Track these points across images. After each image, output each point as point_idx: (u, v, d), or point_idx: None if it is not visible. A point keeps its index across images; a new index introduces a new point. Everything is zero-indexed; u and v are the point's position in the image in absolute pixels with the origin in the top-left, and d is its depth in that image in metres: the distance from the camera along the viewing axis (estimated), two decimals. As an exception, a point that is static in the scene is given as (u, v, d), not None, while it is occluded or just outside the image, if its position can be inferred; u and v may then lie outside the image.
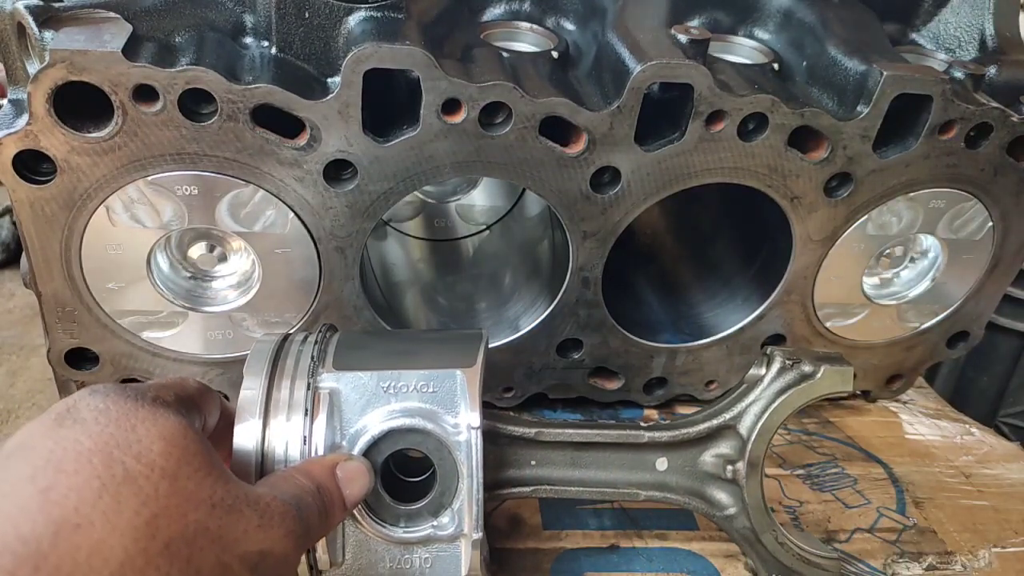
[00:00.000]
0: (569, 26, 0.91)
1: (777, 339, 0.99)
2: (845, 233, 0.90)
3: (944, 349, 1.05)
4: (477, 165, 0.78)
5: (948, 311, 1.00)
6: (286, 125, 0.73)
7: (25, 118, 0.68)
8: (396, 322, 0.94)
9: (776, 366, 0.73)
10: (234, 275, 0.87)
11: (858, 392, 1.10)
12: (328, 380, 0.67)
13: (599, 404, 1.03)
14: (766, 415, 0.72)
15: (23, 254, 0.79)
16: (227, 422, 0.64)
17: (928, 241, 0.96)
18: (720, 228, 1.13)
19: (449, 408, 0.68)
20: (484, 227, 1.17)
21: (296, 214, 0.79)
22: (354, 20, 0.74)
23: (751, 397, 0.74)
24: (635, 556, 0.82)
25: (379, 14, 0.74)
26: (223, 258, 0.86)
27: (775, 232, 0.91)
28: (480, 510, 0.67)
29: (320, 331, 0.73)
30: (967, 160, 0.85)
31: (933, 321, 1.01)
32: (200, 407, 0.59)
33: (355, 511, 0.65)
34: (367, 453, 0.66)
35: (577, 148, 0.78)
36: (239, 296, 0.86)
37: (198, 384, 0.61)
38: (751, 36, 0.93)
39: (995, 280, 0.98)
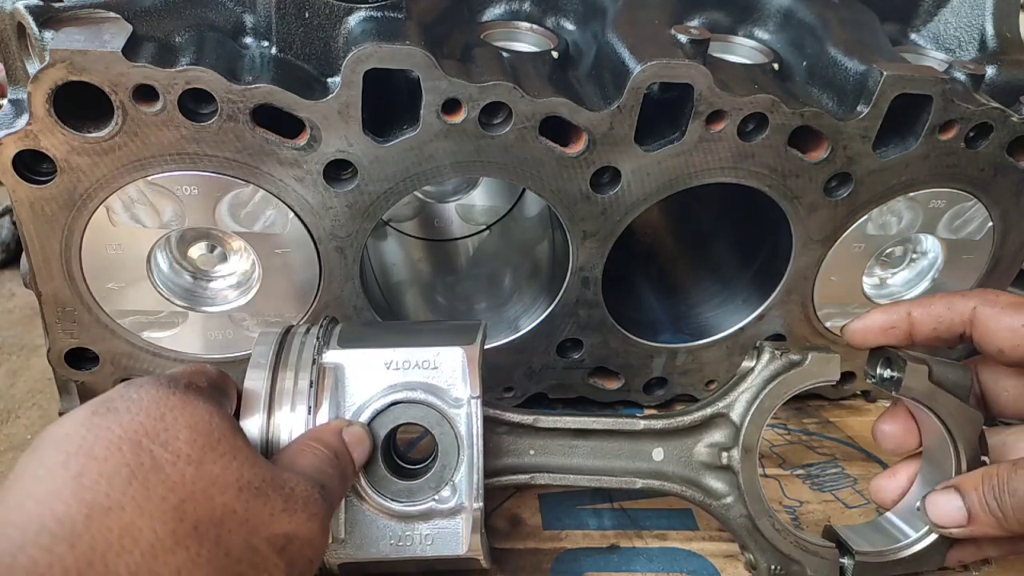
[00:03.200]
0: (569, 26, 0.91)
1: (777, 339, 0.99)
2: (845, 233, 0.90)
3: (944, 349, 1.05)
4: (477, 165, 0.78)
5: (948, 311, 1.00)
6: (286, 125, 0.73)
7: (25, 118, 0.68)
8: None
9: (765, 356, 0.75)
10: (234, 275, 0.87)
11: (858, 392, 1.10)
12: (332, 356, 0.69)
13: (599, 404, 1.03)
14: (758, 401, 0.74)
15: (23, 254, 0.79)
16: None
17: (928, 241, 0.97)
18: (720, 228, 1.13)
19: (450, 383, 0.70)
20: (484, 227, 1.17)
21: (296, 214, 0.79)
22: (354, 20, 0.74)
23: (743, 386, 0.75)
24: (635, 556, 0.82)
25: (379, 14, 0.74)
26: (223, 258, 0.86)
27: (775, 232, 0.91)
28: (480, 480, 0.68)
29: (324, 320, 0.74)
30: (967, 160, 0.85)
31: (933, 321, 1.01)
32: (227, 394, 0.62)
33: (357, 487, 0.67)
34: (370, 426, 0.68)
35: (577, 148, 0.78)
36: (239, 296, 0.86)
37: (218, 371, 0.63)
38: (751, 36, 0.93)
39: (995, 280, 0.98)
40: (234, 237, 0.82)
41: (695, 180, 0.82)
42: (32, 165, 0.72)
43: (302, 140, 0.73)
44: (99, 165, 0.72)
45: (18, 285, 1.17)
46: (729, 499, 0.75)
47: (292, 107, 0.71)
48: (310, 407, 0.66)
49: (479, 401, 0.69)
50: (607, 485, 0.76)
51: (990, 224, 0.92)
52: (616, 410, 1.04)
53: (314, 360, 0.68)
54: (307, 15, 0.74)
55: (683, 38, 0.76)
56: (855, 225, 0.89)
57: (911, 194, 0.87)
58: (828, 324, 0.98)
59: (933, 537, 0.74)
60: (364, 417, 0.68)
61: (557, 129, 0.77)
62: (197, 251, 0.85)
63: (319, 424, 0.66)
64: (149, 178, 0.74)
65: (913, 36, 0.99)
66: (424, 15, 0.78)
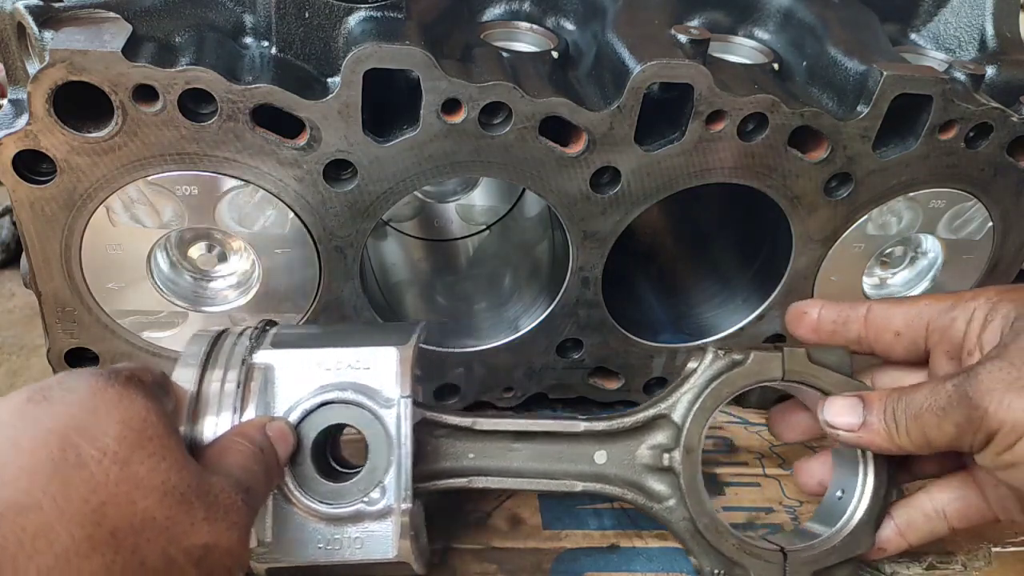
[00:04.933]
0: (569, 26, 0.91)
1: (777, 339, 0.99)
2: (845, 233, 0.90)
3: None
4: (477, 165, 0.78)
5: (948, 311, 1.00)
6: (286, 125, 0.73)
7: (25, 118, 0.68)
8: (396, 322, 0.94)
9: (708, 357, 0.76)
10: (234, 275, 0.87)
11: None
12: (263, 357, 0.69)
13: (599, 404, 1.03)
14: (699, 401, 0.74)
15: (23, 254, 0.79)
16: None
17: (928, 241, 0.97)
18: (720, 228, 1.13)
19: (383, 383, 0.69)
20: (484, 227, 1.17)
21: (296, 214, 0.79)
22: (354, 20, 0.74)
23: (685, 387, 0.76)
24: (635, 556, 0.82)
25: (379, 14, 0.74)
26: (223, 258, 0.86)
27: (775, 232, 0.91)
28: (408, 480, 0.67)
29: (260, 322, 0.74)
30: (967, 160, 0.85)
31: (933, 321, 1.01)
32: (168, 392, 0.61)
33: (285, 489, 0.66)
34: (300, 427, 0.67)
35: (577, 148, 0.78)
36: (239, 296, 0.86)
37: (160, 371, 0.62)
38: (751, 36, 0.93)
39: (995, 280, 0.98)
40: (234, 237, 0.82)
41: (695, 180, 0.82)
42: (32, 165, 0.72)
43: (302, 140, 0.73)
44: (99, 165, 0.72)
45: (18, 285, 1.17)
46: (671, 502, 0.74)
47: (292, 107, 0.71)
48: (236, 407, 0.65)
49: (409, 400, 0.68)
50: (547, 488, 0.75)
51: (990, 224, 0.92)
52: (616, 410, 1.04)
53: (243, 360, 0.68)
54: (307, 15, 0.74)
55: (683, 38, 0.76)
56: (855, 225, 0.89)
57: (911, 194, 0.87)
58: (828, 324, 0.98)
59: (856, 521, 0.74)
60: (293, 417, 0.67)
61: (557, 129, 0.77)
62: (197, 251, 0.85)
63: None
64: (149, 178, 0.74)
65: (913, 36, 0.99)
66: (424, 15, 0.78)
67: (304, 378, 0.68)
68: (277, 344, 0.70)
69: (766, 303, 0.95)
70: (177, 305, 0.84)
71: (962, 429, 0.63)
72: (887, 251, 0.96)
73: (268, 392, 0.68)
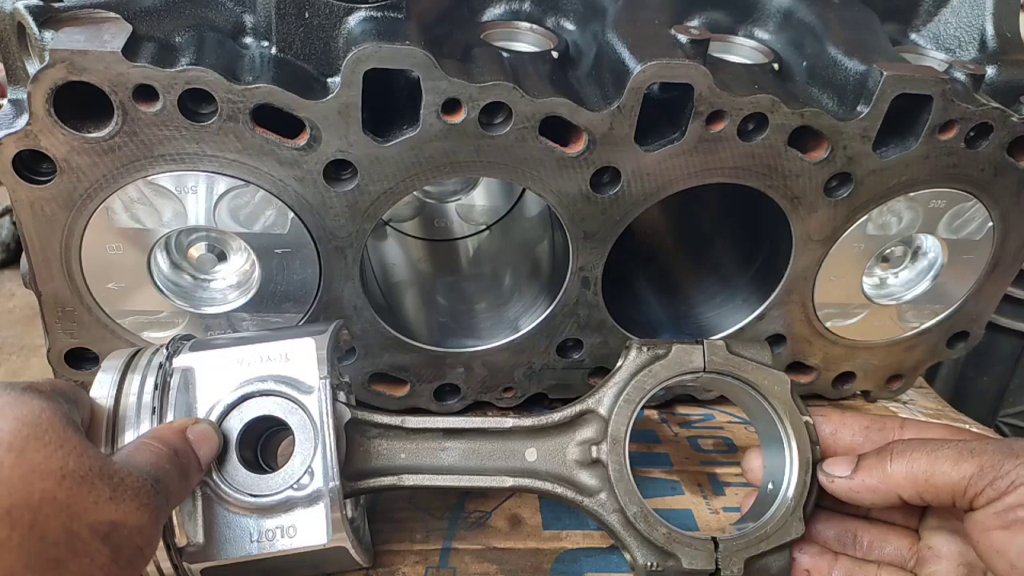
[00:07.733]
0: (569, 26, 0.91)
1: (777, 339, 0.99)
2: (845, 233, 0.90)
3: (944, 349, 1.05)
4: (477, 165, 0.78)
5: (948, 311, 1.00)
6: (286, 125, 0.73)
7: (25, 118, 0.68)
8: (396, 322, 0.94)
9: (632, 352, 0.77)
10: (234, 275, 0.87)
11: (858, 392, 1.10)
12: (182, 361, 0.70)
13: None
14: (624, 394, 0.75)
15: (23, 254, 0.79)
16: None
17: (928, 241, 0.97)
18: (720, 228, 1.13)
19: (303, 373, 0.70)
20: (484, 227, 1.17)
21: (296, 214, 0.79)
22: (354, 20, 0.74)
23: (611, 382, 0.77)
24: (635, 556, 0.81)
25: (379, 14, 0.74)
26: (223, 258, 0.86)
27: (775, 232, 0.91)
28: (334, 458, 0.67)
29: (176, 337, 0.75)
30: (967, 160, 0.85)
31: (933, 321, 1.01)
32: (76, 401, 0.62)
33: (213, 486, 0.67)
34: (224, 422, 0.68)
35: (577, 148, 0.78)
36: (239, 296, 0.86)
37: (70, 384, 0.64)
38: (751, 36, 0.93)
39: (995, 280, 0.98)
40: (234, 237, 0.82)
41: (695, 180, 0.82)
42: (32, 165, 0.72)
43: (302, 140, 0.73)
44: (99, 165, 0.72)
45: (18, 285, 1.18)
46: (603, 495, 0.75)
47: (292, 107, 0.71)
48: (155, 408, 0.66)
49: (327, 381, 0.69)
50: (477, 484, 0.75)
51: (990, 224, 0.92)
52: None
53: (161, 365, 0.69)
54: (307, 15, 0.74)
55: (683, 38, 0.76)
56: (855, 225, 0.89)
57: (911, 194, 0.87)
58: (828, 324, 0.98)
59: (784, 509, 0.74)
60: (215, 414, 0.68)
61: (557, 129, 0.77)
62: (197, 251, 0.85)
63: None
64: (149, 178, 0.74)
65: (913, 36, 0.99)
66: (424, 15, 0.78)
67: (225, 376, 0.69)
68: (195, 348, 0.72)
69: (766, 303, 0.95)
70: (177, 305, 0.84)
71: (984, 471, 0.62)
72: (887, 251, 0.96)
73: (190, 394, 0.68)
